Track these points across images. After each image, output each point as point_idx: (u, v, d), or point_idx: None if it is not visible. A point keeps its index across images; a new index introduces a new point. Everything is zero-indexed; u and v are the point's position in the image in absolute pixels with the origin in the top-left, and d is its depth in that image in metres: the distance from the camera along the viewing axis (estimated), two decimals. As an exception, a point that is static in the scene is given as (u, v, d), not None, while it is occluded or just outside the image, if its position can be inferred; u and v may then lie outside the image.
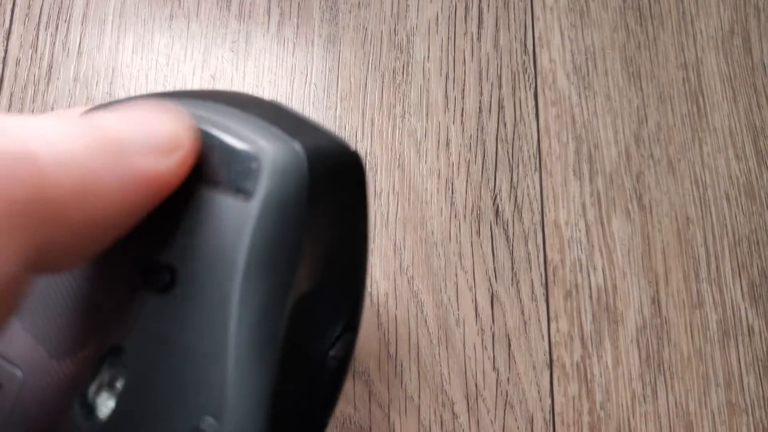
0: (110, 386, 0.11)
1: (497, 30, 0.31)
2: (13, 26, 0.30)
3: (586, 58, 0.31)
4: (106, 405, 0.10)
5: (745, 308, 0.28)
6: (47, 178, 0.08)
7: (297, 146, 0.11)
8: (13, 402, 0.11)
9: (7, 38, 0.30)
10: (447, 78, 0.30)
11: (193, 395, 0.10)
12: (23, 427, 0.11)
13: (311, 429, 0.13)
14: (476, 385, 0.26)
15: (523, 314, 0.27)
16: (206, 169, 0.10)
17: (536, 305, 0.27)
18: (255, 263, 0.10)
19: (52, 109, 0.29)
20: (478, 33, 0.31)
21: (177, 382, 0.10)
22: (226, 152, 0.10)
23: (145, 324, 0.10)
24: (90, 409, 0.11)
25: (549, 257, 0.28)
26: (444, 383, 0.26)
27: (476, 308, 0.27)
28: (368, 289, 0.27)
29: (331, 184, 0.11)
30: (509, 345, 0.26)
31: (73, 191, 0.09)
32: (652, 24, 0.32)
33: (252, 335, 0.10)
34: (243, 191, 0.10)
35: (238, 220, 0.10)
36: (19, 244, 0.08)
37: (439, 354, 0.26)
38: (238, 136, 0.10)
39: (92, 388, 0.11)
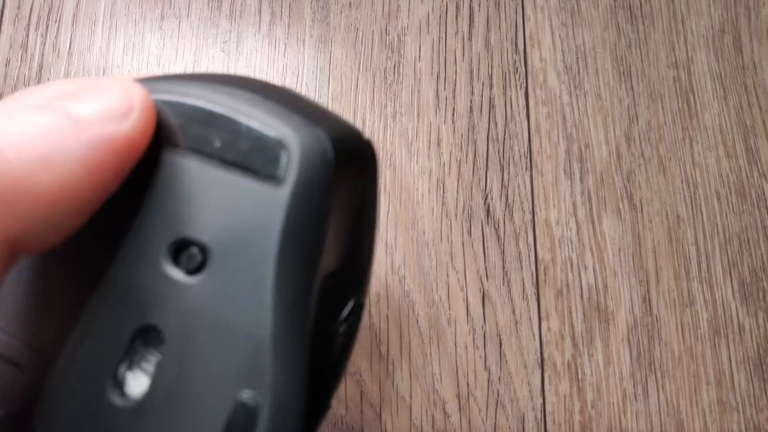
0: (143, 365, 0.11)
1: (488, 30, 0.31)
2: (2, 27, 0.30)
3: (577, 58, 0.31)
4: (139, 383, 0.11)
5: (736, 307, 0.28)
6: (11, 164, 0.09)
7: (321, 135, 0.11)
8: (32, 384, 0.11)
9: (-3, 39, 0.30)
10: (438, 78, 0.30)
11: (230, 369, 0.10)
12: (55, 408, 0.11)
13: (326, 396, 0.14)
14: (467, 385, 0.26)
15: (514, 313, 0.27)
16: (234, 154, 0.11)
17: (527, 304, 0.27)
18: (289, 244, 0.11)
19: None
20: (469, 33, 0.31)
21: (214, 356, 0.10)
22: (254, 139, 0.11)
23: (178, 301, 0.11)
24: (122, 387, 0.11)
25: (540, 256, 0.28)
26: (435, 383, 0.26)
27: (467, 307, 0.27)
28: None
29: (351, 171, 0.12)
30: (500, 344, 0.27)
31: (37, 169, 0.09)
32: (643, 23, 0.32)
33: (290, 310, 0.11)
34: (273, 177, 0.11)
35: (269, 204, 0.11)
36: None
37: (431, 353, 0.26)
38: (265, 123, 0.11)
39: (123, 367, 0.11)
